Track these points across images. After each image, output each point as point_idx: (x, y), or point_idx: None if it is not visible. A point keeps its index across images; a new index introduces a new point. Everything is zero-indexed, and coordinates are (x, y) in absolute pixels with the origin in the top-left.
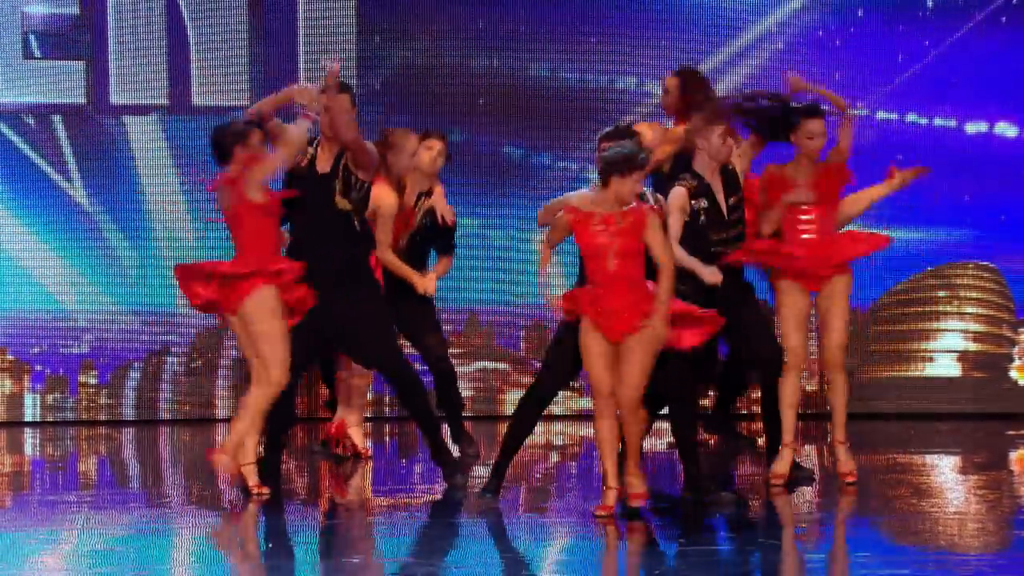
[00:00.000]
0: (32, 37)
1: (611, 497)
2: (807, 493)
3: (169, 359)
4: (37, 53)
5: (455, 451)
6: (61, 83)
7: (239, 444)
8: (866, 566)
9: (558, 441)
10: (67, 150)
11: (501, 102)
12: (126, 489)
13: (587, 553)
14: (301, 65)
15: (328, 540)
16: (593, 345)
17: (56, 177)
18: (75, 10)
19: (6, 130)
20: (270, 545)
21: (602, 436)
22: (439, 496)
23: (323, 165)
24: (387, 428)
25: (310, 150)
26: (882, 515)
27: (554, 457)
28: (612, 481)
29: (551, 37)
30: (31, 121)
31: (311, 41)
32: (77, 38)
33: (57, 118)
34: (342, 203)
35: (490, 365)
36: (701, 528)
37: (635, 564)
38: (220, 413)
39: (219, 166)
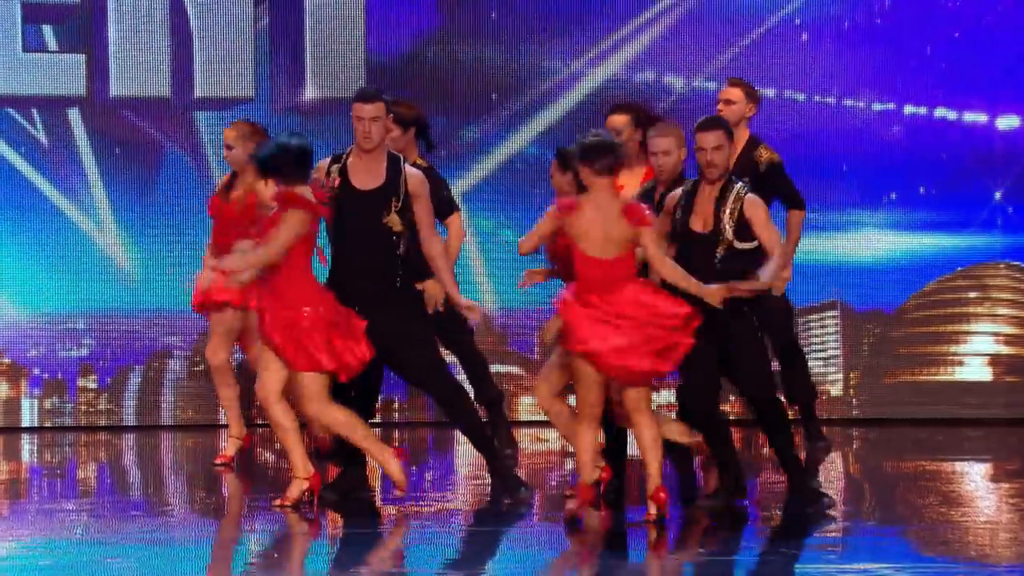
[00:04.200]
0: (31, 29)
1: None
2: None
3: (171, 362)
4: (36, 45)
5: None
6: (60, 76)
7: None
8: None
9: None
10: (65, 146)
11: (515, 98)
12: (127, 497)
13: (602, 562)
14: (307, 57)
15: (336, 550)
16: None
17: (54, 176)
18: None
19: (1, 124)
20: (277, 555)
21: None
22: (449, 504)
23: (364, 181)
24: (396, 434)
25: (334, 169)
26: (910, 524)
27: (569, 464)
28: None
29: (565, 30)
30: (29, 116)
31: (317, 32)
32: (77, 29)
33: (55, 113)
34: (394, 222)
35: (503, 369)
36: (721, 538)
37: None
38: (223, 418)
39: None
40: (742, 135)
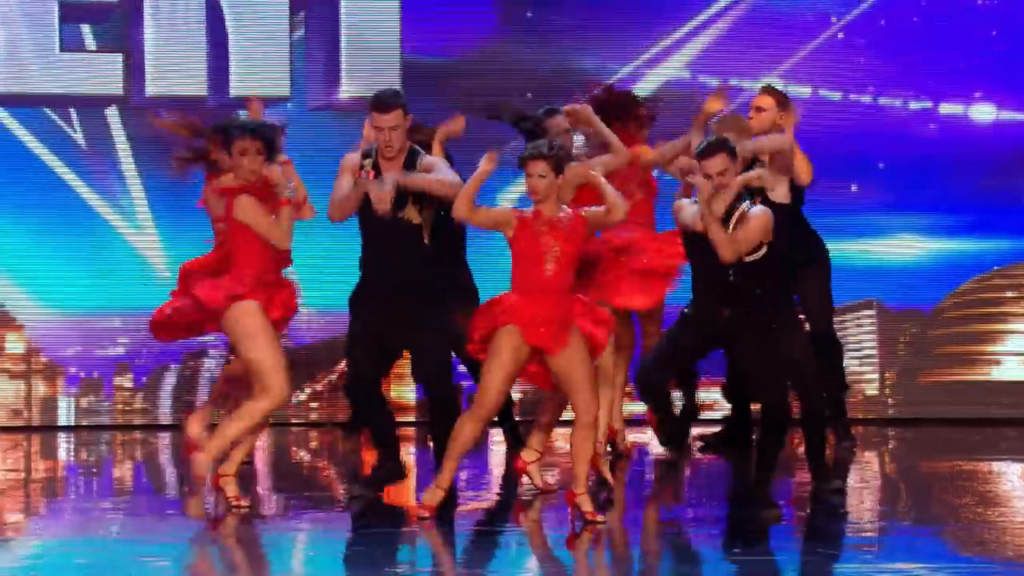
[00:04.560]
0: (69, 28)
1: (437, 497)
2: (868, 501)
3: (207, 361)
4: (74, 45)
5: None
6: (97, 76)
7: (223, 449)
8: None
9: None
10: (102, 146)
11: (549, 96)
12: (162, 495)
13: (638, 562)
14: (343, 56)
15: (367, 550)
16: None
17: (90, 176)
18: None
19: (39, 124)
20: (311, 553)
21: (458, 436)
22: (483, 504)
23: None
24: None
25: (367, 162)
26: (947, 524)
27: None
28: (445, 483)
29: (600, 29)
30: (66, 115)
31: (353, 31)
32: (113, 28)
33: (92, 113)
34: (411, 215)
35: None
36: (756, 538)
37: (687, 575)
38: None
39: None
40: None
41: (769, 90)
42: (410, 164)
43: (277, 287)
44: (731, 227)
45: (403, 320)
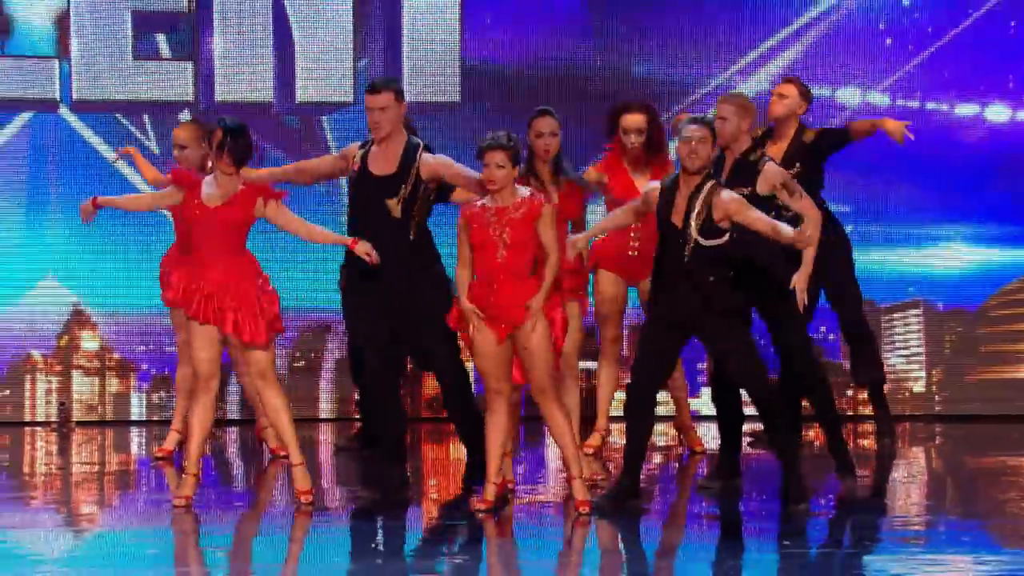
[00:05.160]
0: (141, 37)
1: (491, 491)
2: (915, 495)
3: None
4: (146, 53)
5: None
6: (168, 83)
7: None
8: (975, 570)
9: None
10: (172, 150)
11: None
12: (230, 489)
13: (685, 554)
14: (404, 61)
15: (430, 540)
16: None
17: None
18: (182, 6)
19: (112, 130)
20: (372, 546)
21: (488, 431)
22: (539, 496)
23: (380, 167)
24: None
25: (359, 152)
26: (992, 518)
27: (657, 457)
28: (493, 476)
29: (654, 32)
30: (139, 122)
31: (415, 36)
32: (184, 37)
33: (164, 120)
34: (392, 207)
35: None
36: (802, 531)
37: (735, 567)
38: (323, 412)
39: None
40: (792, 127)
41: (793, 80)
42: (408, 158)
43: None
44: (700, 202)
45: (406, 314)
